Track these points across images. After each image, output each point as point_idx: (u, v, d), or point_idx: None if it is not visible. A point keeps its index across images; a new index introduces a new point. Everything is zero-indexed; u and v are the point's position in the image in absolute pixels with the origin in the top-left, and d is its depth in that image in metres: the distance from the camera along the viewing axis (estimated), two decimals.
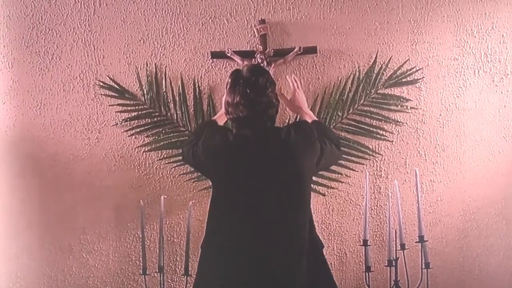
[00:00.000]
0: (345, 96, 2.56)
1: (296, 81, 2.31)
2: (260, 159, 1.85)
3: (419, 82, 2.58)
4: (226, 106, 1.93)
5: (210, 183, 2.00)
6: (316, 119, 2.25)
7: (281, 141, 1.87)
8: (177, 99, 2.57)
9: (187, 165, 2.53)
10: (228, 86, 1.92)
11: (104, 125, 2.59)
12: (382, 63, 2.56)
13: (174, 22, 2.57)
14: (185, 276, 2.41)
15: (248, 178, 1.86)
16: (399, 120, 2.58)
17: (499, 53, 2.59)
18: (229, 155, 1.88)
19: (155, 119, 2.58)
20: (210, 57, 2.55)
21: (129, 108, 2.57)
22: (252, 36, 2.56)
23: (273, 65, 2.51)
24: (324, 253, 1.99)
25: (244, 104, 1.86)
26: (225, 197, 1.90)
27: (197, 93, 2.56)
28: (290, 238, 1.85)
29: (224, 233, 1.88)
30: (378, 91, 2.57)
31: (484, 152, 2.60)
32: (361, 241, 2.43)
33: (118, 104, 2.58)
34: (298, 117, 2.38)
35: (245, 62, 2.45)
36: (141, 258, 2.47)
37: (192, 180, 2.58)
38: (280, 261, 1.83)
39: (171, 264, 2.59)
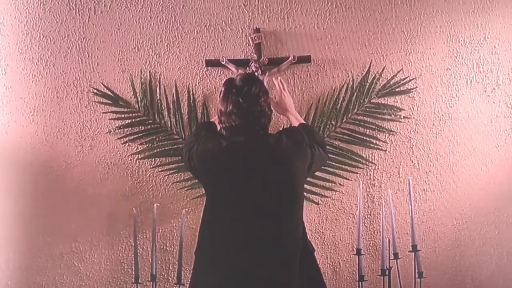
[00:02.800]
0: (339, 105, 2.57)
1: (282, 83, 2.31)
2: (252, 166, 1.86)
3: (412, 91, 2.59)
4: (219, 115, 1.93)
5: (203, 192, 2.00)
6: (303, 121, 2.25)
7: (272, 148, 1.88)
8: (171, 107, 2.56)
9: (180, 173, 2.54)
10: (221, 95, 1.93)
11: (98, 132, 2.58)
12: (375, 72, 2.57)
13: (169, 30, 2.58)
14: (178, 285, 2.39)
15: (240, 184, 1.86)
16: (392, 130, 2.59)
17: (491, 63, 2.61)
18: (222, 161, 1.89)
19: (149, 126, 2.57)
20: (204, 65, 2.56)
21: (122, 116, 2.57)
22: (247, 45, 2.56)
23: (267, 73, 2.51)
24: (317, 261, 2.00)
25: (237, 113, 1.87)
26: (218, 203, 1.91)
27: (191, 101, 2.56)
28: (283, 243, 1.86)
29: (217, 239, 1.88)
30: (372, 101, 2.58)
31: (476, 161, 2.62)
32: (355, 250, 2.42)
33: (112, 112, 2.57)
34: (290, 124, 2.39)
35: (240, 71, 2.46)
36: (133, 267, 2.45)
37: (186, 189, 2.57)
38: (273, 266, 1.83)
39: (163, 273, 2.57)
